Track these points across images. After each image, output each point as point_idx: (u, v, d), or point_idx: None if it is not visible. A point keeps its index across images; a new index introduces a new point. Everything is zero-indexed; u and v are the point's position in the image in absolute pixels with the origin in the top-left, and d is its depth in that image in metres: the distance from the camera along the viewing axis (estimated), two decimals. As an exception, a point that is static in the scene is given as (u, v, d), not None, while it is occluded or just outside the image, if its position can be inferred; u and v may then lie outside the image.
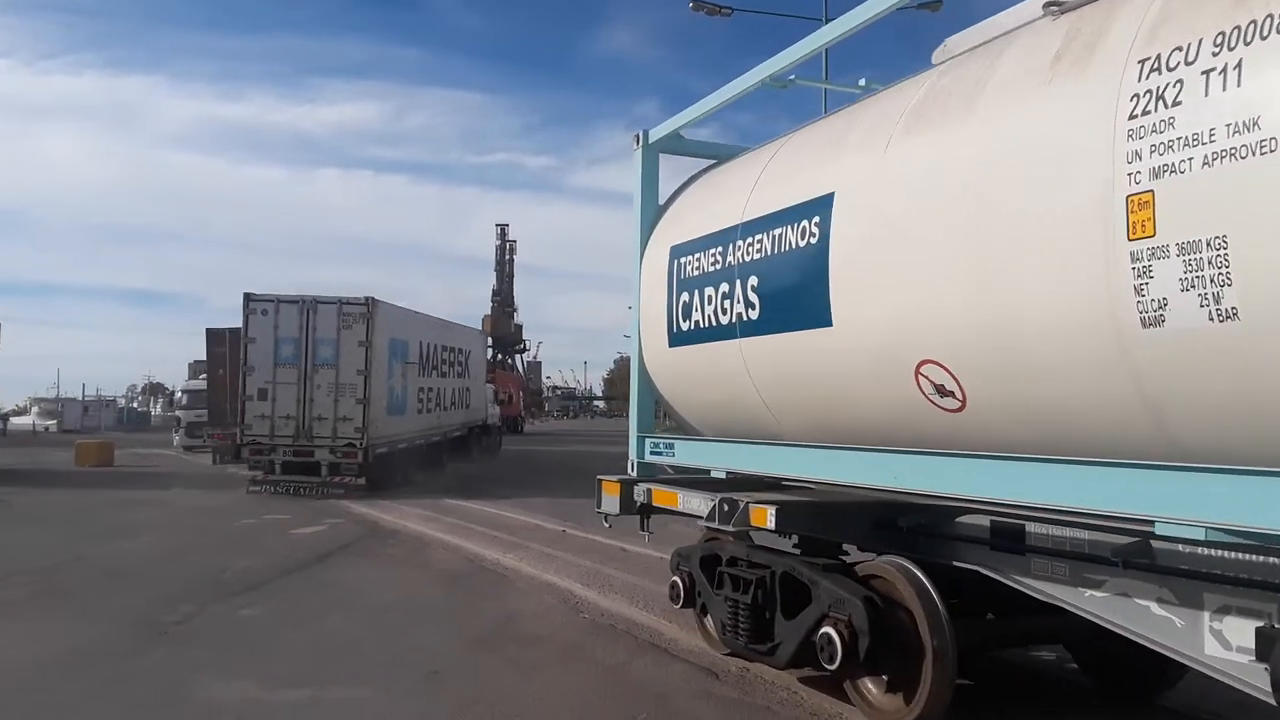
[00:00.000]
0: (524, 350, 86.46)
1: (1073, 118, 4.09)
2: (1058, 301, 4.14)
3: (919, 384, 5.04)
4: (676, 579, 7.15)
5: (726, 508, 6.10)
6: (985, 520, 5.38)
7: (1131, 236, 3.79)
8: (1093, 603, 4.75)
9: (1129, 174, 3.81)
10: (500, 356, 74.85)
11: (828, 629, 5.50)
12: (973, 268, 4.54)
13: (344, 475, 19.94)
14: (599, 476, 8.02)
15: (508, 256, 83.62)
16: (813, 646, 5.68)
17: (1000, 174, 4.42)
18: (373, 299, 20.42)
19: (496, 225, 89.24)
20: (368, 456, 19.95)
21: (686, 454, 7.30)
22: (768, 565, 6.14)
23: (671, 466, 7.66)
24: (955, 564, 5.50)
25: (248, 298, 20.06)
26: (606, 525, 8.04)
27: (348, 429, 19.90)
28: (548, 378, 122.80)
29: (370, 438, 19.97)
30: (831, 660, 5.44)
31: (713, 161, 8.05)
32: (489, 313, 78.59)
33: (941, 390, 4.94)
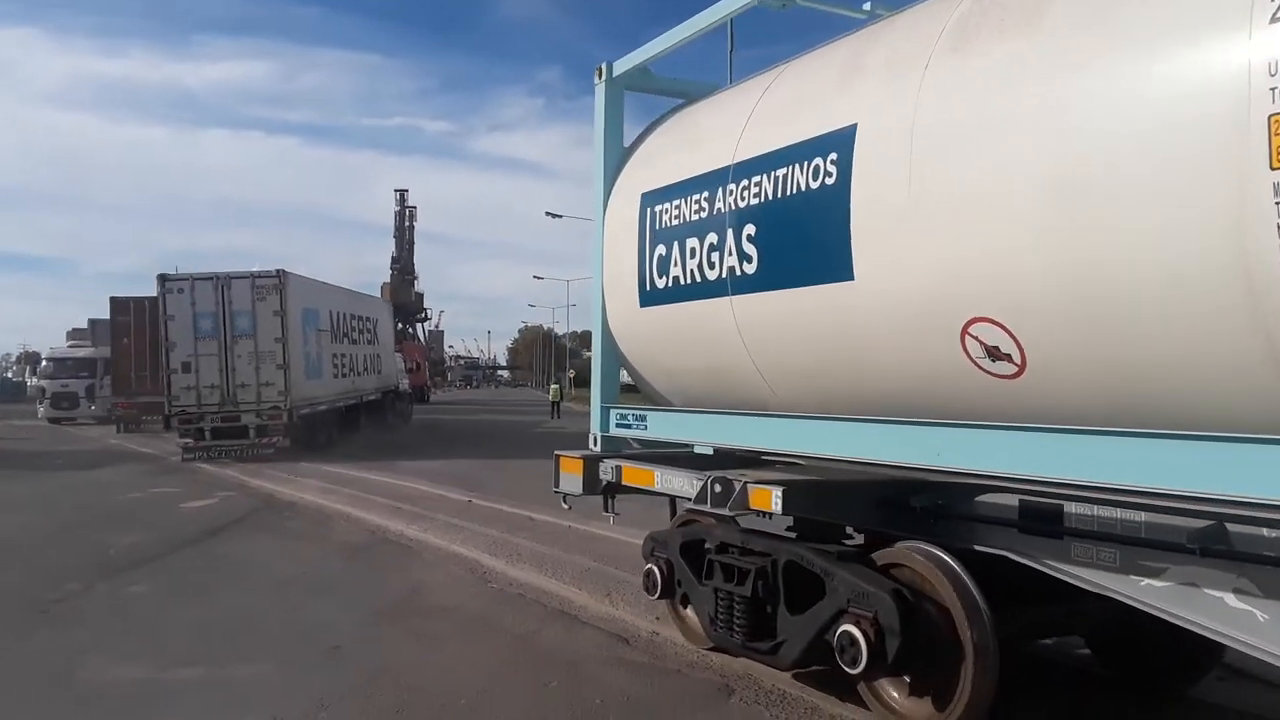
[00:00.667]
0: (426, 319, 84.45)
1: (1194, 17, 3.40)
2: (1166, 243, 3.46)
3: (965, 347, 4.34)
4: (652, 567, 6.37)
5: (719, 489, 5.34)
6: (1010, 499, 4.77)
7: (1276, 164, 3.13)
8: (1150, 593, 4.14)
9: (1271, 88, 3.14)
10: (402, 325, 72.62)
11: (848, 627, 4.80)
12: (1048, 206, 3.83)
13: (271, 436, 21.36)
14: (557, 452, 7.17)
15: (407, 223, 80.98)
16: (825, 646, 4.99)
17: (1087, 88, 3.71)
18: (283, 271, 21.74)
19: (395, 191, 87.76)
20: (292, 417, 21.48)
21: (664, 427, 6.50)
22: (768, 553, 5.41)
23: (641, 441, 6.86)
24: (977, 549, 4.87)
25: (162, 279, 21.25)
26: (565, 507, 7.21)
27: (271, 393, 21.31)
28: (450, 347, 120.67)
29: (293, 399, 21.50)
30: (855, 663, 4.75)
31: (682, 101, 7.22)
32: (389, 280, 76.20)
33: (994, 353, 4.25)
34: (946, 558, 4.77)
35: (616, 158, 7.13)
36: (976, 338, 4.27)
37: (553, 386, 49.18)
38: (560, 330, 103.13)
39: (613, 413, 7.00)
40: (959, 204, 4.21)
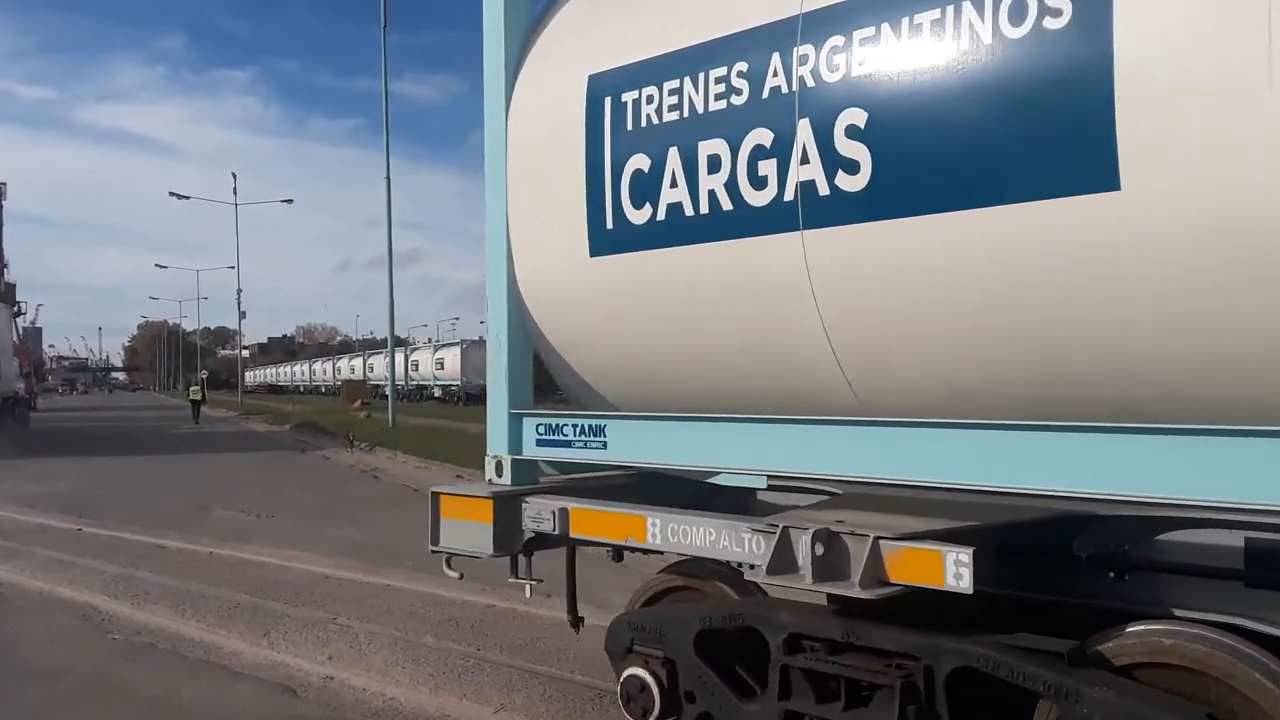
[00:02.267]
0: (20, 314, 72.06)
1: None
2: None
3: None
4: (639, 672, 3.96)
5: (823, 550, 3.13)
6: (1199, 537, 3.10)
7: None
8: None
9: None
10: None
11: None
12: None
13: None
14: (438, 489, 4.55)
15: (-6, 202, 68.40)
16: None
17: None
18: None
19: (-19, 164, 74.48)
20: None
21: (644, 444, 4.09)
22: (911, 653, 3.26)
23: (583, 466, 4.44)
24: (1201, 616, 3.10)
25: None
26: (453, 574, 4.59)
27: None
28: (51, 346, 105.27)
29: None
30: None
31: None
32: (-33, 270, 64.08)
33: None
34: (1251, 651, 2.91)
35: (523, 28, 4.61)
36: None
37: (193, 388, 49.43)
38: (190, 326, 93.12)
39: (528, 424, 4.50)
40: None
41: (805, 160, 3.45)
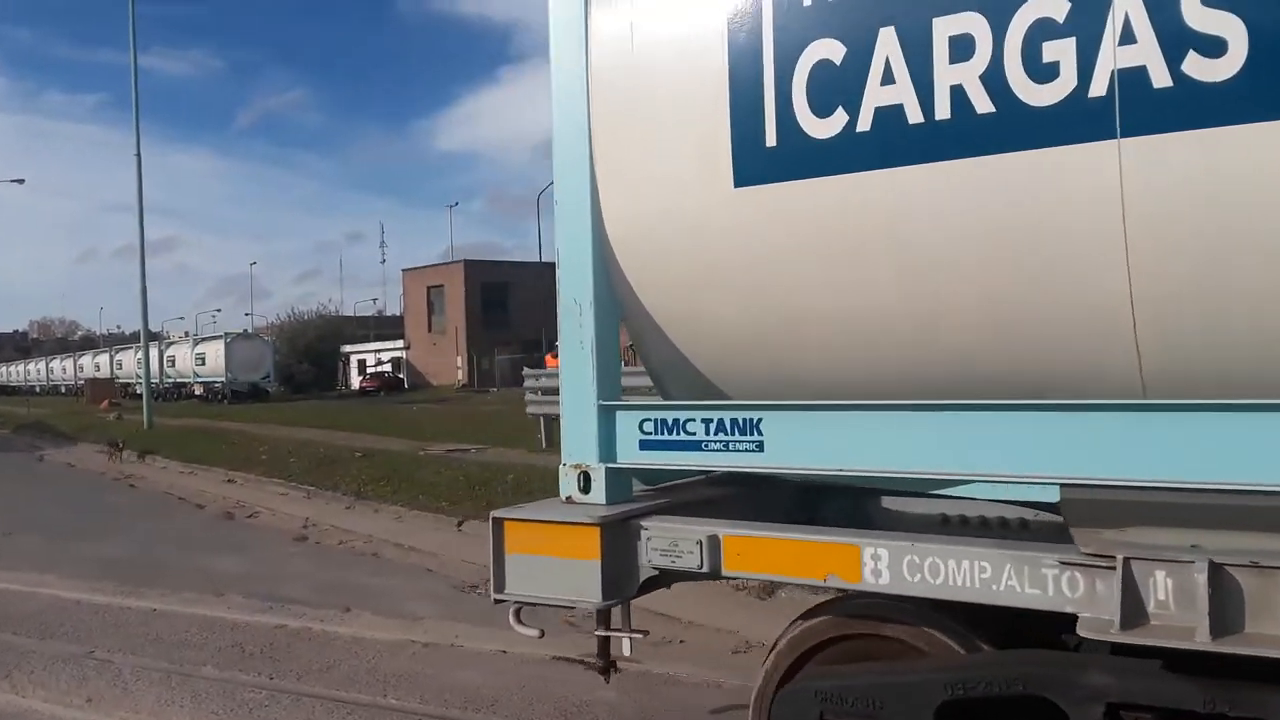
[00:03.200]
0: None
1: None
2: None
3: None
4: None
5: (1210, 591, 2.16)
6: None
7: None
8: None
9: None
10: None
11: None
12: None
13: None
14: (500, 515, 3.25)
15: None
16: None
17: None
18: None
19: None
20: None
21: (830, 443, 2.94)
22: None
23: (735, 473, 3.28)
24: None
25: None
26: (530, 632, 3.30)
27: None
28: None
29: None
30: None
31: None
32: None
33: None
34: None
35: None
36: None
37: None
38: None
39: (626, 419, 3.28)
40: None
41: (1129, 38, 2.44)
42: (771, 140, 2.94)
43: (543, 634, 3.30)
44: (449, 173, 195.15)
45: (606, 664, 3.69)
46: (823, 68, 2.85)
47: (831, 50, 2.83)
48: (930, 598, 2.68)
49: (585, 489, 3.30)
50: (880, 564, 2.72)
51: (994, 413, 2.69)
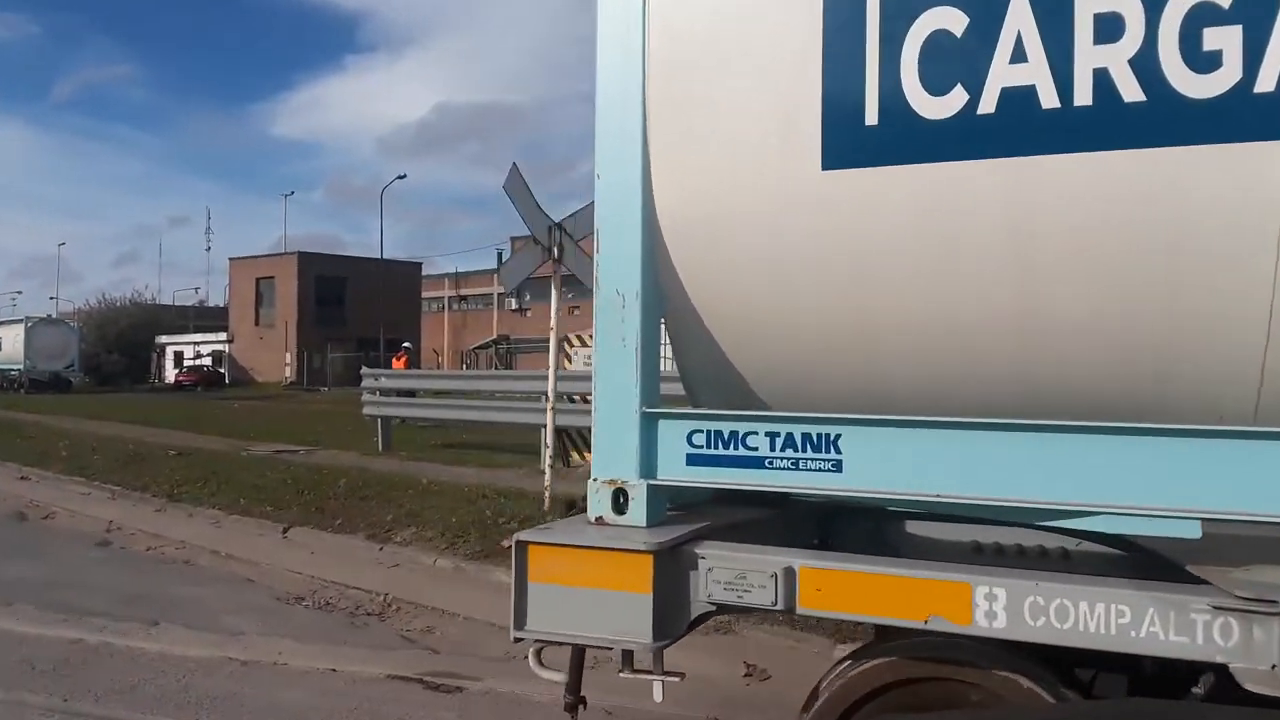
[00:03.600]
0: None
1: None
2: None
3: None
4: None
5: None
6: None
7: None
8: None
9: None
10: None
11: None
12: None
13: None
14: (524, 538, 2.74)
15: None
16: None
17: None
18: None
19: None
20: None
21: (926, 465, 2.60)
22: None
23: (813, 495, 2.88)
24: None
25: None
26: (555, 676, 2.81)
27: None
28: None
29: None
30: None
31: None
32: None
33: None
34: None
35: None
36: None
37: None
38: None
39: (671, 430, 2.85)
40: None
41: (1306, 29, 2.23)
42: (872, 118, 2.58)
43: (571, 681, 2.81)
44: (287, 160, 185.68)
45: (576, 700, 3.23)
46: (940, 38, 2.52)
47: (951, 19, 2.51)
48: (1056, 643, 2.38)
49: (620, 509, 2.84)
50: (996, 605, 2.40)
51: (1125, 437, 2.42)
